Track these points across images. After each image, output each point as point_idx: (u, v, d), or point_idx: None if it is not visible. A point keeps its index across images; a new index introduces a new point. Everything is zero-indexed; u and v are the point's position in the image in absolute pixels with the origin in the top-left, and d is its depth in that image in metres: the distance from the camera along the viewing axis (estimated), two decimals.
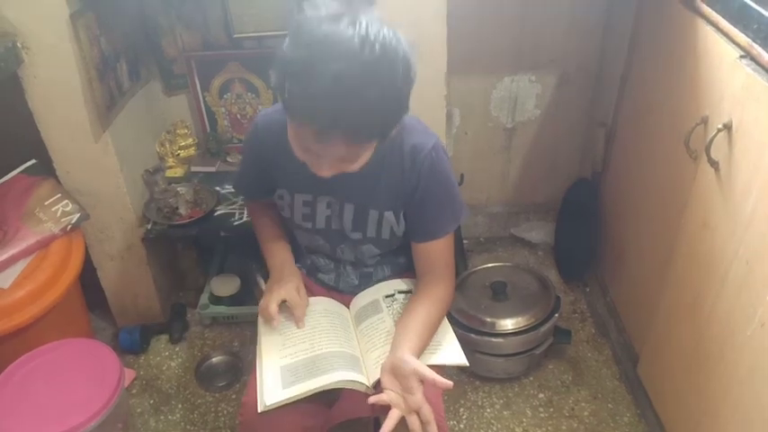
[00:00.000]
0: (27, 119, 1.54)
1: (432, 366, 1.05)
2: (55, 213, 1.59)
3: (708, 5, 1.27)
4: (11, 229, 1.55)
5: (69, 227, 1.59)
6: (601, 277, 1.99)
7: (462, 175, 1.91)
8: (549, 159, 2.14)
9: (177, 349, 1.92)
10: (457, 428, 1.65)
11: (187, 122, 1.97)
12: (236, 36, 1.80)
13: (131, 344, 1.88)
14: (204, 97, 1.93)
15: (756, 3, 1.11)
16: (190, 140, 1.96)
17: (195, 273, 2.07)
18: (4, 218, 1.56)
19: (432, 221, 1.17)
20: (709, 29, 1.26)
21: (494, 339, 1.67)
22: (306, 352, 1.14)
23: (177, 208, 1.80)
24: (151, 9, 1.77)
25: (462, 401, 1.72)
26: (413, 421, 1.00)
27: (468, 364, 1.15)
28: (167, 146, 1.94)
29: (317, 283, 1.35)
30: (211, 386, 1.80)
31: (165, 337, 1.95)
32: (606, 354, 1.84)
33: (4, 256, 1.49)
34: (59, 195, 1.62)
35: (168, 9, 1.78)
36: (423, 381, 1.01)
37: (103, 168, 1.65)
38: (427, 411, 1.00)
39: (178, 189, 1.83)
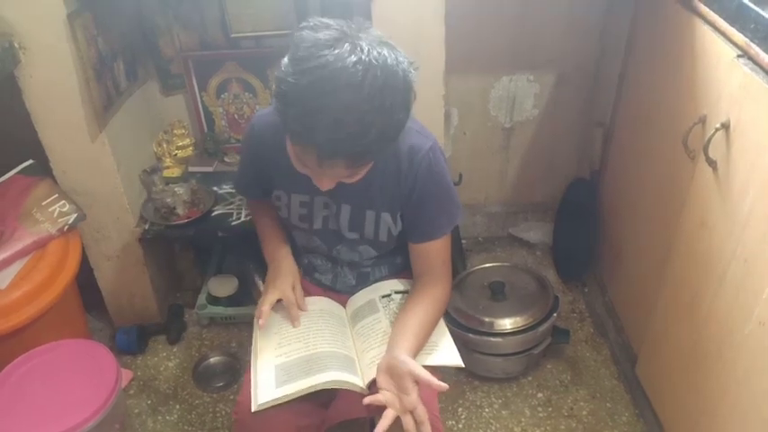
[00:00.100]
0: (24, 119, 1.54)
1: (427, 367, 1.05)
2: (52, 214, 1.58)
3: (705, 5, 1.27)
4: (8, 229, 1.54)
5: (66, 227, 1.59)
6: (599, 277, 1.99)
7: (461, 175, 1.91)
8: (548, 159, 2.14)
9: (175, 350, 1.92)
10: (455, 428, 1.65)
11: (184, 122, 1.97)
12: (233, 36, 1.79)
13: (128, 344, 1.88)
14: (201, 97, 1.92)
15: (754, 2, 1.10)
16: (187, 140, 1.96)
17: (193, 273, 2.06)
18: (1, 218, 1.56)
19: (429, 222, 1.17)
20: (706, 28, 1.26)
21: (492, 339, 1.67)
22: (300, 351, 1.14)
23: (174, 208, 1.79)
24: (148, 9, 1.77)
25: (461, 401, 1.72)
26: (407, 421, 1.00)
27: (463, 366, 1.15)
28: (164, 146, 1.94)
29: (313, 283, 1.35)
30: (209, 387, 1.80)
31: (162, 338, 1.94)
32: (605, 353, 1.84)
33: (1, 257, 1.49)
34: (56, 196, 1.62)
35: (165, 9, 1.77)
36: (418, 382, 1.01)
37: (100, 168, 1.65)
38: (422, 412, 1.00)
39: (175, 189, 1.82)
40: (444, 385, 1.00)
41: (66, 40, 1.44)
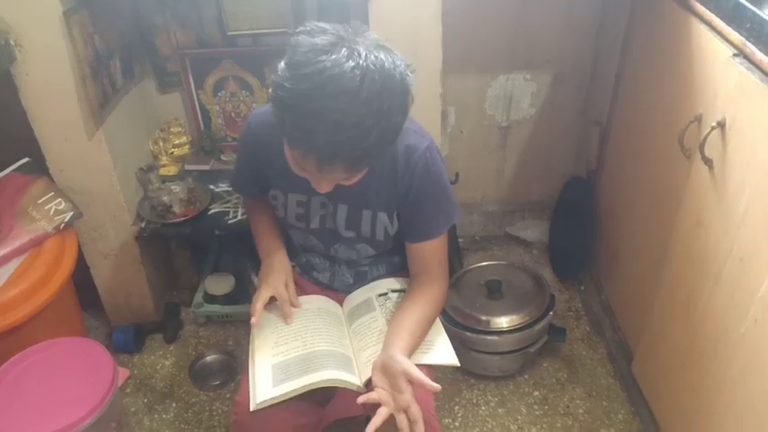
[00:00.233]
0: (20, 117, 1.53)
1: (423, 366, 1.05)
2: (48, 212, 1.58)
3: (702, 4, 1.27)
4: (4, 227, 1.54)
5: (62, 225, 1.59)
6: (595, 276, 2.00)
7: (457, 174, 1.91)
8: (544, 158, 2.14)
9: (171, 348, 1.92)
10: (452, 426, 1.65)
11: (181, 120, 1.96)
12: (230, 34, 1.79)
13: (125, 343, 1.88)
14: (198, 95, 1.92)
15: (750, 2, 1.11)
16: (184, 139, 1.95)
17: (189, 271, 2.06)
18: None
19: (425, 222, 1.17)
20: (702, 27, 1.26)
21: (489, 337, 1.67)
22: (297, 350, 1.14)
23: (171, 206, 1.79)
24: (145, 7, 1.77)
25: (457, 399, 1.72)
26: (401, 419, 1.00)
27: (459, 365, 1.15)
28: (161, 144, 1.94)
29: (311, 282, 1.35)
30: (206, 385, 1.79)
31: (159, 336, 1.94)
32: (601, 352, 1.84)
33: None
34: (53, 194, 1.61)
35: (162, 7, 1.77)
36: (411, 381, 1.01)
37: (97, 166, 1.64)
38: (415, 410, 1.00)
39: (172, 187, 1.82)
40: (437, 386, 1.00)
41: (62, 37, 1.44)
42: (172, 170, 1.93)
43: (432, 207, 1.16)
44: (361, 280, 1.32)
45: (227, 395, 1.76)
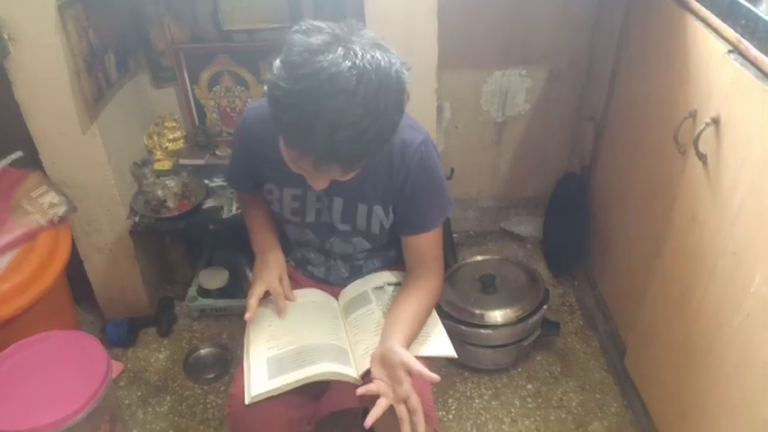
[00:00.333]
0: (14, 111, 1.52)
1: (421, 358, 1.06)
2: (42, 205, 1.58)
3: (697, 1, 1.27)
4: None
5: (56, 219, 1.58)
6: (589, 271, 2.01)
7: (452, 170, 1.91)
8: (539, 154, 2.15)
9: (165, 342, 1.92)
10: (446, 419, 1.66)
11: (175, 115, 1.96)
12: (225, 29, 1.79)
13: (119, 337, 1.87)
14: (193, 90, 1.91)
15: None
16: (178, 133, 1.95)
17: (183, 266, 2.06)
18: None
19: (421, 215, 1.17)
20: (698, 24, 1.26)
21: (483, 331, 1.68)
22: (293, 343, 1.14)
23: (165, 201, 1.79)
24: (140, 1, 1.76)
25: (451, 392, 1.73)
26: (401, 410, 1.01)
27: (456, 356, 1.16)
28: (155, 138, 1.93)
29: (306, 276, 1.36)
30: (200, 378, 1.80)
31: (152, 330, 1.94)
32: (594, 346, 1.85)
33: None
34: (46, 187, 1.61)
35: (157, 1, 1.76)
36: (410, 372, 1.02)
37: (91, 161, 1.64)
38: (415, 401, 1.00)
39: (166, 182, 1.81)
40: (436, 376, 1.01)
41: (56, 31, 1.43)
42: (166, 165, 1.92)
43: (427, 201, 1.16)
44: (357, 274, 1.32)
45: (222, 388, 1.76)
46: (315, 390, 1.12)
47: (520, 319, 1.68)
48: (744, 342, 1.09)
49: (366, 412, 1.01)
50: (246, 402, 1.07)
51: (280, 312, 1.20)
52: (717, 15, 1.20)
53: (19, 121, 1.54)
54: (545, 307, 1.72)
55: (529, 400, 1.71)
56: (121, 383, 1.79)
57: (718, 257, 1.16)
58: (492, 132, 2.10)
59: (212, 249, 2.10)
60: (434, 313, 1.23)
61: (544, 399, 1.71)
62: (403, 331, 1.09)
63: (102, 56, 1.64)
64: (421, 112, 1.52)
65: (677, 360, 1.34)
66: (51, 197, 1.59)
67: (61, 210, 1.59)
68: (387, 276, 1.30)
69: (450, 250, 2.00)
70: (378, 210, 1.17)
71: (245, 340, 1.19)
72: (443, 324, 1.22)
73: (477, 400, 1.71)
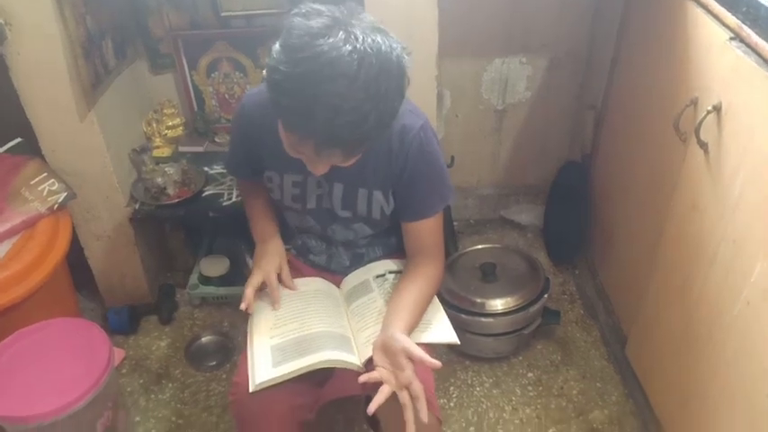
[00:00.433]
0: (12, 97, 1.52)
1: (423, 344, 1.06)
2: (41, 193, 1.57)
3: None
4: None
5: (56, 206, 1.58)
6: (590, 259, 2.01)
7: (453, 158, 1.91)
8: (540, 142, 2.14)
9: (167, 330, 1.92)
10: (447, 407, 1.67)
11: (174, 102, 1.95)
12: (223, 14, 1.77)
13: (120, 324, 1.88)
14: (191, 76, 1.90)
15: None
16: (177, 120, 1.94)
17: (184, 253, 2.06)
18: None
19: (421, 201, 1.17)
20: (699, 11, 1.25)
21: (483, 319, 1.68)
22: (295, 332, 1.15)
23: (165, 188, 1.78)
24: None
25: (452, 380, 1.73)
26: (403, 396, 1.01)
27: (458, 343, 1.16)
28: (154, 125, 1.92)
29: (307, 264, 1.36)
30: (201, 366, 1.80)
31: (154, 318, 1.94)
32: (594, 334, 1.86)
33: None
34: (45, 174, 1.61)
35: None
36: (411, 359, 1.02)
37: (90, 148, 1.63)
38: (417, 387, 1.01)
39: (166, 169, 1.81)
40: (437, 363, 1.01)
41: (53, 17, 1.42)
42: (165, 152, 1.92)
43: (426, 186, 1.16)
44: (358, 262, 1.32)
45: (223, 376, 1.77)
46: (317, 377, 1.13)
47: (520, 308, 1.68)
48: (744, 330, 1.10)
49: (368, 399, 1.01)
50: (250, 390, 1.07)
51: (273, 303, 1.20)
52: (718, 2, 1.19)
53: (17, 107, 1.53)
54: (545, 296, 1.72)
55: (530, 388, 1.72)
56: (123, 371, 1.79)
57: (719, 245, 1.16)
58: (492, 120, 2.09)
59: (212, 237, 2.10)
60: (436, 300, 1.23)
61: (545, 387, 1.71)
62: (404, 319, 1.09)
63: (100, 42, 1.63)
64: (421, 100, 1.51)
65: (678, 348, 1.34)
66: (51, 184, 1.59)
67: (61, 197, 1.59)
68: (388, 264, 1.30)
69: (451, 238, 2.01)
70: (378, 195, 1.17)
71: (248, 328, 1.19)
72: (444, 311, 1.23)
73: (477, 389, 1.72)
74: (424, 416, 1.00)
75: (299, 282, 1.27)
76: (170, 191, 1.78)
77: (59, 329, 1.47)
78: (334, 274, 1.33)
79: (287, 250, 1.33)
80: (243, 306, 1.18)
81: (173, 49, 1.85)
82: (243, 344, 1.18)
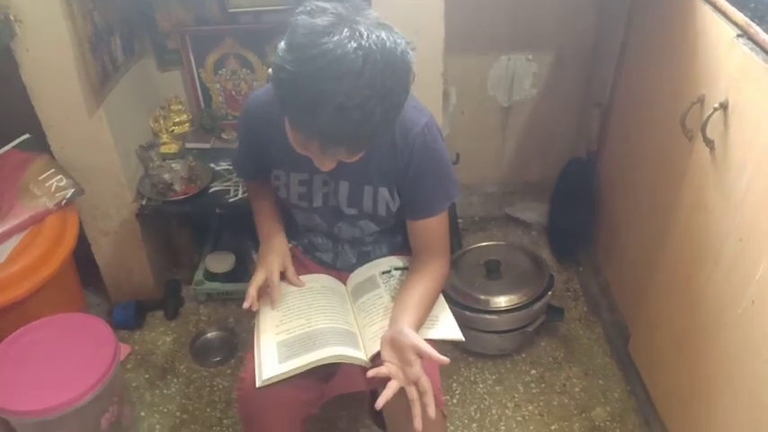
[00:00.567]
0: (21, 93, 1.53)
1: (429, 341, 1.07)
2: (49, 188, 1.58)
3: None
4: (5, 204, 1.54)
5: (64, 202, 1.59)
6: (594, 257, 2.01)
7: (458, 155, 1.91)
8: (545, 139, 2.14)
9: (172, 325, 1.93)
10: (450, 403, 1.67)
11: (181, 98, 1.95)
12: (231, 11, 1.77)
13: (126, 319, 1.89)
14: (199, 73, 1.91)
15: None
16: (184, 117, 1.94)
17: (190, 249, 2.07)
18: None
19: (426, 199, 1.17)
20: (706, 8, 1.25)
21: (487, 316, 1.68)
22: (302, 328, 1.15)
23: (172, 184, 1.79)
24: None
25: (455, 377, 1.74)
26: (411, 392, 1.02)
27: (464, 339, 1.17)
28: (161, 122, 1.93)
29: (314, 261, 1.36)
30: (206, 361, 1.81)
31: (159, 314, 1.95)
32: (598, 332, 1.86)
33: None
34: (54, 170, 1.61)
35: None
36: (420, 355, 1.02)
37: (98, 144, 1.64)
38: (425, 382, 1.02)
39: (173, 165, 1.82)
40: (445, 359, 1.02)
41: (61, 13, 1.43)
42: (172, 148, 1.92)
43: (432, 184, 1.16)
44: (364, 260, 1.33)
45: (228, 371, 1.78)
46: (322, 373, 1.13)
47: (524, 305, 1.69)
48: (747, 328, 1.10)
49: (374, 394, 1.02)
50: (257, 386, 1.08)
51: (272, 303, 1.20)
52: None
53: (26, 104, 1.54)
54: (549, 293, 1.72)
55: (532, 385, 1.72)
56: (129, 366, 1.80)
57: (724, 244, 1.16)
58: (498, 117, 2.09)
59: (218, 233, 2.10)
60: (441, 297, 1.24)
61: (547, 384, 1.72)
62: (411, 315, 1.10)
63: (108, 38, 1.64)
64: (427, 97, 1.52)
65: (681, 346, 1.34)
66: (59, 180, 1.60)
67: (69, 193, 1.60)
68: (394, 261, 1.31)
69: (456, 235, 2.01)
70: (383, 192, 1.17)
71: (255, 324, 1.20)
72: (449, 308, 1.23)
73: (481, 385, 1.72)
74: (432, 411, 1.01)
75: (306, 278, 1.27)
76: (177, 187, 1.79)
77: (66, 325, 1.48)
78: (341, 271, 1.34)
79: (294, 246, 1.34)
80: (246, 305, 1.18)
81: (180, 45, 1.85)
82: (248, 340, 1.19)
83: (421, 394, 1.02)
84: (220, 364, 1.80)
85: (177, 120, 1.93)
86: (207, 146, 1.97)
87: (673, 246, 1.39)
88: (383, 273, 1.28)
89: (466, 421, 1.63)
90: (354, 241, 1.30)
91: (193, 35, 1.84)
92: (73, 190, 1.61)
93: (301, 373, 1.08)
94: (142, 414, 1.67)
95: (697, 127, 1.23)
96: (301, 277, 1.27)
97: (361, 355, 1.12)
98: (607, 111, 1.87)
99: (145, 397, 1.72)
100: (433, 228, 1.19)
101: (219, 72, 1.91)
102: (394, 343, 1.06)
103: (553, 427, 1.61)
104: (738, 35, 1.13)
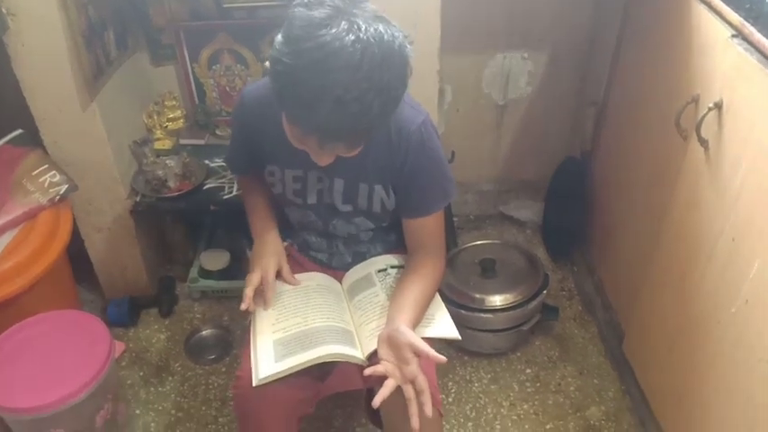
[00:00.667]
0: (13, 87, 1.51)
1: (425, 339, 1.07)
2: (42, 184, 1.57)
3: None
4: None
5: (57, 198, 1.58)
6: (588, 256, 2.01)
7: (453, 153, 1.91)
8: (540, 137, 2.14)
9: (167, 323, 1.92)
10: (445, 402, 1.67)
11: (175, 94, 1.94)
12: (225, 6, 1.76)
13: (120, 316, 1.88)
14: (193, 69, 1.90)
15: None
16: (178, 112, 1.93)
17: (184, 246, 2.06)
18: None
19: (422, 198, 1.17)
20: (701, 8, 1.25)
21: (482, 315, 1.68)
22: (298, 326, 1.15)
23: (166, 180, 1.78)
24: None
25: (451, 375, 1.74)
26: (408, 390, 1.02)
27: (460, 338, 1.17)
28: (155, 117, 1.92)
29: (309, 260, 1.36)
30: (201, 359, 1.81)
31: (154, 311, 1.94)
32: (592, 331, 1.86)
33: None
34: (47, 166, 1.60)
35: None
36: (417, 353, 1.02)
37: (91, 139, 1.63)
38: (422, 381, 1.02)
39: (167, 161, 1.81)
40: (442, 358, 1.02)
41: (55, 6, 1.42)
42: (166, 144, 1.91)
43: (428, 183, 1.16)
44: (359, 259, 1.32)
45: (223, 369, 1.78)
46: (318, 372, 1.13)
47: (519, 304, 1.69)
48: (741, 327, 1.10)
49: (370, 393, 1.02)
50: (254, 384, 1.08)
51: (265, 303, 1.20)
52: None
53: (18, 98, 1.53)
54: (544, 292, 1.73)
55: (527, 384, 1.72)
56: (123, 363, 1.80)
57: (718, 243, 1.17)
58: (493, 115, 2.09)
59: (213, 230, 2.10)
60: (437, 296, 1.24)
61: (542, 383, 1.72)
62: (408, 313, 1.10)
63: (102, 32, 1.63)
64: (423, 94, 1.51)
65: (675, 345, 1.35)
66: (52, 176, 1.59)
67: (62, 188, 1.59)
68: (389, 259, 1.31)
69: (451, 234, 2.01)
70: (379, 189, 1.17)
71: (251, 323, 1.19)
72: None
73: (476, 384, 1.72)
74: (429, 410, 1.01)
75: (301, 276, 1.27)
76: (171, 183, 1.78)
77: (60, 321, 1.47)
78: (336, 270, 1.33)
79: (289, 244, 1.33)
80: (243, 306, 1.17)
81: (174, 40, 1.84)
82: (243, 338, 1.18)
83: (418, 393, 1.02)
84: (215, 362, 1.80)
85: (171, 115, 1.92)
86: (201, 142, 1.96)
87: (667, 245, 1.39)
88: (379, 271, 1.28)
89: (461, 420, 1.63)
90: (349, 239, 1.29)
91: (187, 30, 1.83)
92: (66, 186, 1.60)
93: (298, 371, 1.08)
94: (137, 412, 1.67)
95: (692, 126, 1.23)
96: (297, 275, 1.26)
97: (357, 353, 1.11)
98: (602, 110, 1.87)
99: (140, 395, 1.71)
100: (429, 226, 1.19)
101: (213, 67, 1.90)
102: (391, 341, 1.05)
103: (548, 426, 1.61)
104: (733, 35, 1.13)
